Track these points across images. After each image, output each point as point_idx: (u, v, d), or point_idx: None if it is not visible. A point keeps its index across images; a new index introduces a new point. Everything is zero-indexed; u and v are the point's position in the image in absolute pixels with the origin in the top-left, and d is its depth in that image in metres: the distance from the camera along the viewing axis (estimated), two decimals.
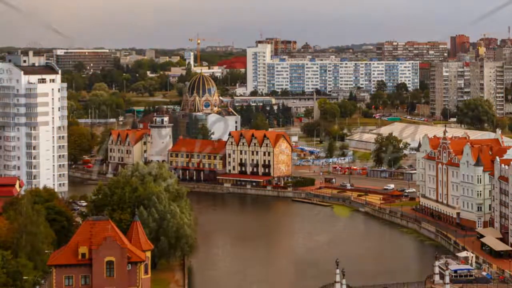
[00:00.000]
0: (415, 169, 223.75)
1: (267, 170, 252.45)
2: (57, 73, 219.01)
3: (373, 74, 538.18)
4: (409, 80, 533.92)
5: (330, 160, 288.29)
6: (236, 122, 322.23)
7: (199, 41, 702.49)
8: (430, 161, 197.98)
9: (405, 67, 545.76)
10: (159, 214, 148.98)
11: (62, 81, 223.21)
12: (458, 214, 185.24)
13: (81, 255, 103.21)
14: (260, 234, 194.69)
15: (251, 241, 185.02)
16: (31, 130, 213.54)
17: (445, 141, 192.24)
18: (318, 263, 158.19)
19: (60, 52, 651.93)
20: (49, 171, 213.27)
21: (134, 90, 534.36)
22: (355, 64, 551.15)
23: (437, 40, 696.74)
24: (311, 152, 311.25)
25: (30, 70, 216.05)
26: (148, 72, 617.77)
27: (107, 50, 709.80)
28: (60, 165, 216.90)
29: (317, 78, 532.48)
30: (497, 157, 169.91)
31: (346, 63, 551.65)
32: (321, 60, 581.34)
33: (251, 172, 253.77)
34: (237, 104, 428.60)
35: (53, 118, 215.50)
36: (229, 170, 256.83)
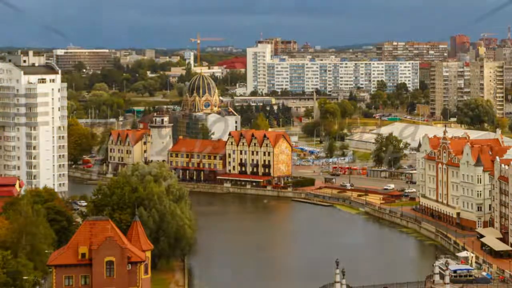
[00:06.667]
0: (415, 169, 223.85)
1: (267, 170, 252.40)
2: (57, 73, 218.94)
3: (373, 74, 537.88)
4: (409, 80, 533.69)
5: (330, 160, 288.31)
6: (236, 122, 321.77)
7: (199, 41, 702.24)
8: (430, 161, 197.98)
9: (405, 67, 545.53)
10: (159, 214, 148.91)
11: (62, 81, 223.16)
12: (458, 214, 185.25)
13: (81, 255, 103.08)
14: (260, 234, 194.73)
15: (251, 241, 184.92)
16: (31, 130, 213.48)
17: (445, 141, 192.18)
18: (318, 263, 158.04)
19: (60, 52, 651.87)
20: (49, 171, 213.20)
21: (134, 90, 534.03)
22: (355, 64, 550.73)
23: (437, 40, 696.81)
24: (311, 152, 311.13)
25: (30, 70, 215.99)
26: (148, 72, 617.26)
27: (107, 50, 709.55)
28: (60, 165, 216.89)
29: (317, 78, 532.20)
30: (497, 157, 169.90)
31: (346, 63, 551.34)
32: (321, 60, 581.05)
33: (251, 172, 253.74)
34: (237, 104, 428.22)
35: (53, 118, 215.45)
36: (229, 170, 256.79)
